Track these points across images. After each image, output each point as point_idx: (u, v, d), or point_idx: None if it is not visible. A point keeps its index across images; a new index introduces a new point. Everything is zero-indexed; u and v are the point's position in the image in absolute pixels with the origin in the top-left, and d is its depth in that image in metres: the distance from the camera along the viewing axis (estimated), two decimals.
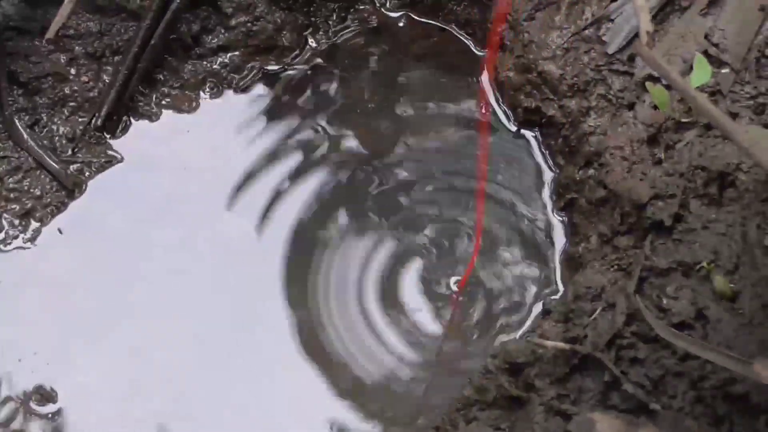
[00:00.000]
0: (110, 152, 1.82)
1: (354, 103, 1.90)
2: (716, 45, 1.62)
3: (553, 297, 1.65)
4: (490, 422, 1.42)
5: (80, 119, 1.83)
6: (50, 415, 1.58)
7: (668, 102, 1.53)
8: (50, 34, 1.80)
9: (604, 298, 1.48)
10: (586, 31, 1.75)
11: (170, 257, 1.73)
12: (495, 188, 1.78)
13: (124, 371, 1.62)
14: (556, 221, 1.74)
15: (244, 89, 1.91)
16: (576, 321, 1.47)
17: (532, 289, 1.68)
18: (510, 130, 1.84)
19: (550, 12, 1.79)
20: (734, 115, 1.54)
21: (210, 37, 1.91)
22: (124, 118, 1.85)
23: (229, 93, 1.91)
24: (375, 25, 1.98)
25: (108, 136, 1.84)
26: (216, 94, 1.90)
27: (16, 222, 1.74)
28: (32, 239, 1.73)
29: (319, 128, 1.87)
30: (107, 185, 1.80)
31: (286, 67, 1.94)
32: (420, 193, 1.79)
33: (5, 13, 1.80)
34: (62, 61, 1.84)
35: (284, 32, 1.94)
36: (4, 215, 1.74)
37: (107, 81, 1.85)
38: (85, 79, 1.85)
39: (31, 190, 1.76)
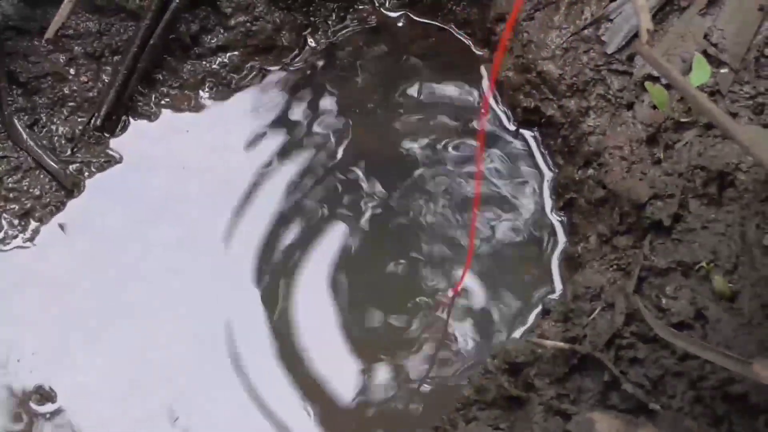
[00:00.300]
0: (109, 152, 1.82)
1: (353, 102, 1.90)
2: (715, 45, 1.62)
3: (552, 297, 1.65)
4: (489, 422, 1.43)
5: (79, 119, 1.83)
6: (50, 415, 1.57)
7: (667, 102, 1.53)
8: (49, 34, 1.80)
9: (603, 297, 1.48)
10: (585, 31, 1.75)
11: (169, 257, 1.73)
12: (495, 188, 1.78)
13: (124, 371, 1.62)
14: (556, 221, 1.74)
15: (244, 89, 1.91)
16: (575, 321, 1.47)
17: (532, 289, 1.68)
18: (509, 130, 1.84)
19: (549, 12, 1.79)
20: (733, 115, 1.54)
21: (209, 36, 1.91)
22: (124, 117, 1.85)
23: (229, 93, 1.91)
24: (374, 25, 1.99)
25: (107, 136, 1.84)
26: (215, 93, 1.90)
27: (16, 222, 1.74)
28: (31, 239, 1.73)
29: (318, 128, 1.87)
30: (106, 185, 1.80)
31: (285, 66, 1.94)
32: (420, 193, 1.79)
33: (4, 12, 1.80)
34: (61, 60, 1.84)
35: (283, 32, 1.94)
36: (4, 215, 1.74)
37: (106, 81, 1.85)
38: (84, 78, 1.85)
39: (31, 190, 1.76)
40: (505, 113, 1.85)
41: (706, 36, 1.63)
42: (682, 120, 1.57)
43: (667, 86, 1.55)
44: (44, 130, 1.82)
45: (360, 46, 1.97)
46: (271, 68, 1.93)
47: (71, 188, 1.78)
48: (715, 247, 1.43)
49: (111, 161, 1.82)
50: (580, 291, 1.51)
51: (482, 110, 1.71)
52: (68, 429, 1.56)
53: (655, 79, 1.60)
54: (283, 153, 1.83)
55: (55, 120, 1.83)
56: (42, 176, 1.78)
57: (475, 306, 1.67)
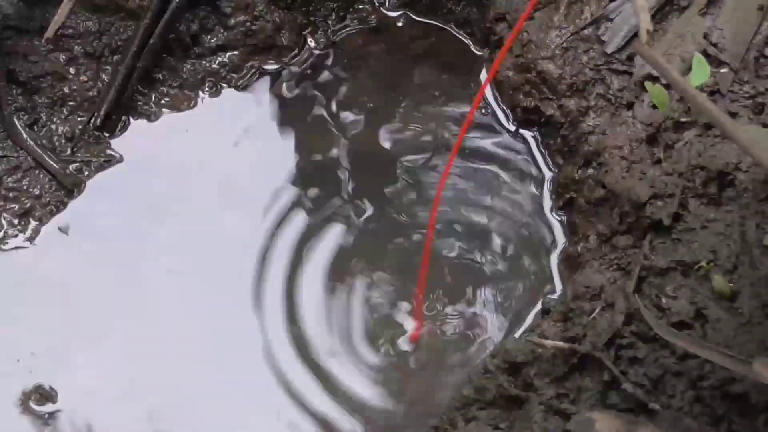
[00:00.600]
0: (109, 152, 1.82)
1: (353, 102, 1.90)
2: (715, 45, 1.62)
3: (551, 296, 1.65)
4: (489, 421, 1.43)
5: (79, 118, 1.83)
6: (49, 415, 1.57)
7: (667, 101, 1.53)
8: (49, 33, 1.80)
9: (603, 297, 1.48)
10: (585, 31, 1.75)
11: (169, 256, 1.73)
12: (494, 188, 1.78)
13: (124, 371, 1.61)
14: (555, 221, 1.74)
15: (243, 89, 1.91)
16: (575, 320, 1.47)
17: (531, 289, 1.68)
18: (509, 130, 1.84)
19: (549, 11, 1.79)
20: (733, 115, 1.54)
21: (209, 36, 1.91)
22: (123, 117, 1.85)
23: (229, 92, 1.91)
24: (374, 24, 1.98)
25: (107, 136, 1.83)
26: (215, 93, 1.90)
27: (15, 221, 1.74)
28: (31, 239, 1.73)
29: (318, 127, 1.87)
30: (106, 184, 1.79)
31: (285, 66, 1.94)
32: (419, 193, 1.79)
33: (4, 12, 1.80)
34: (61, 60, 1.84)
35: (283, 32, 1.94)
36: (3, 215, 1.73)
37: (106, 80, 1.85)
38: (84, 78, 1.85)
39: (30, 190, 1.76)
40: (505, 113, 1.85)
41: (705, 36, 1.63)
42: (682, 120, 1.57)
43: (667, 86, 1.55)
44: (44, 129, 1.82)
45: (360, 46, 1.97)
46: (271, 68, 1.93)
47: (71, 188, 1.78)
48: (714, 246, 1.43)
49: (111, 161, 1.82)
50: (579, 290, 1.51)
51: (475, 102, 1.70)
52: (68, 429, 1.56)
53: (654, 79, 1.60)
54: (283, 153, 1.83)
55: (55, 119, 1.82)
56: (42, 176, 1.78)
57: (474, 306, 1.67)
